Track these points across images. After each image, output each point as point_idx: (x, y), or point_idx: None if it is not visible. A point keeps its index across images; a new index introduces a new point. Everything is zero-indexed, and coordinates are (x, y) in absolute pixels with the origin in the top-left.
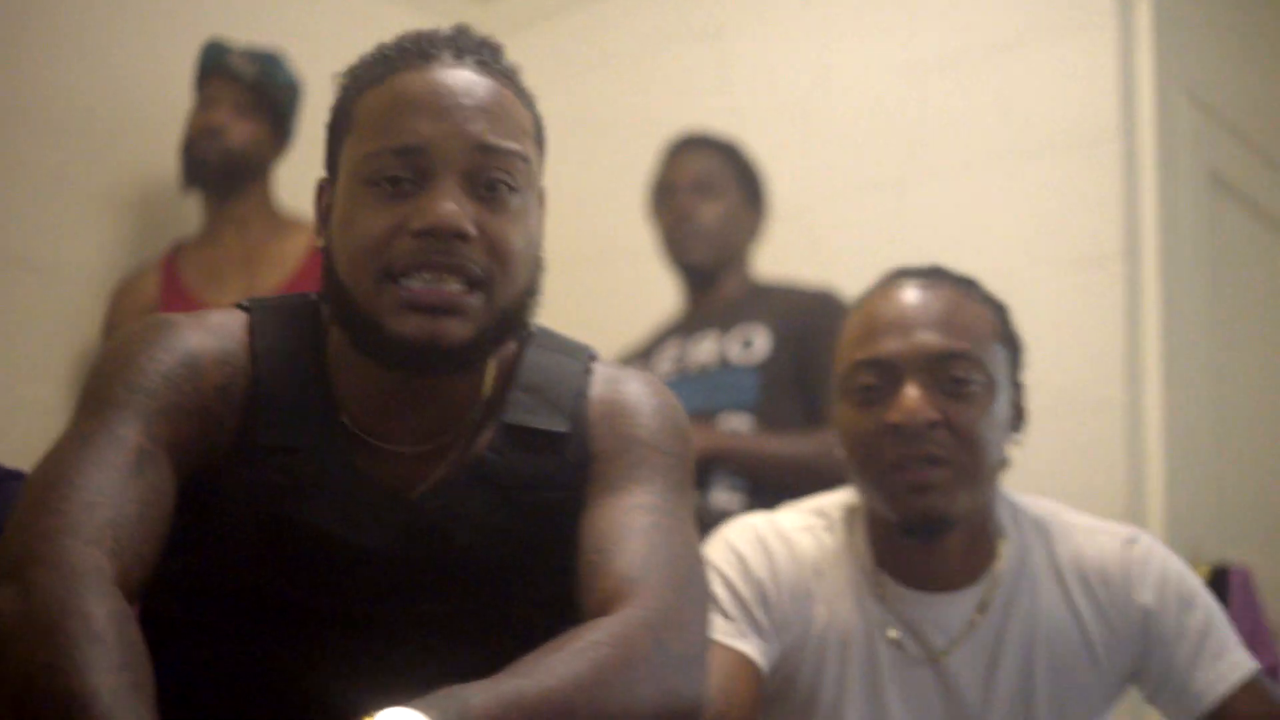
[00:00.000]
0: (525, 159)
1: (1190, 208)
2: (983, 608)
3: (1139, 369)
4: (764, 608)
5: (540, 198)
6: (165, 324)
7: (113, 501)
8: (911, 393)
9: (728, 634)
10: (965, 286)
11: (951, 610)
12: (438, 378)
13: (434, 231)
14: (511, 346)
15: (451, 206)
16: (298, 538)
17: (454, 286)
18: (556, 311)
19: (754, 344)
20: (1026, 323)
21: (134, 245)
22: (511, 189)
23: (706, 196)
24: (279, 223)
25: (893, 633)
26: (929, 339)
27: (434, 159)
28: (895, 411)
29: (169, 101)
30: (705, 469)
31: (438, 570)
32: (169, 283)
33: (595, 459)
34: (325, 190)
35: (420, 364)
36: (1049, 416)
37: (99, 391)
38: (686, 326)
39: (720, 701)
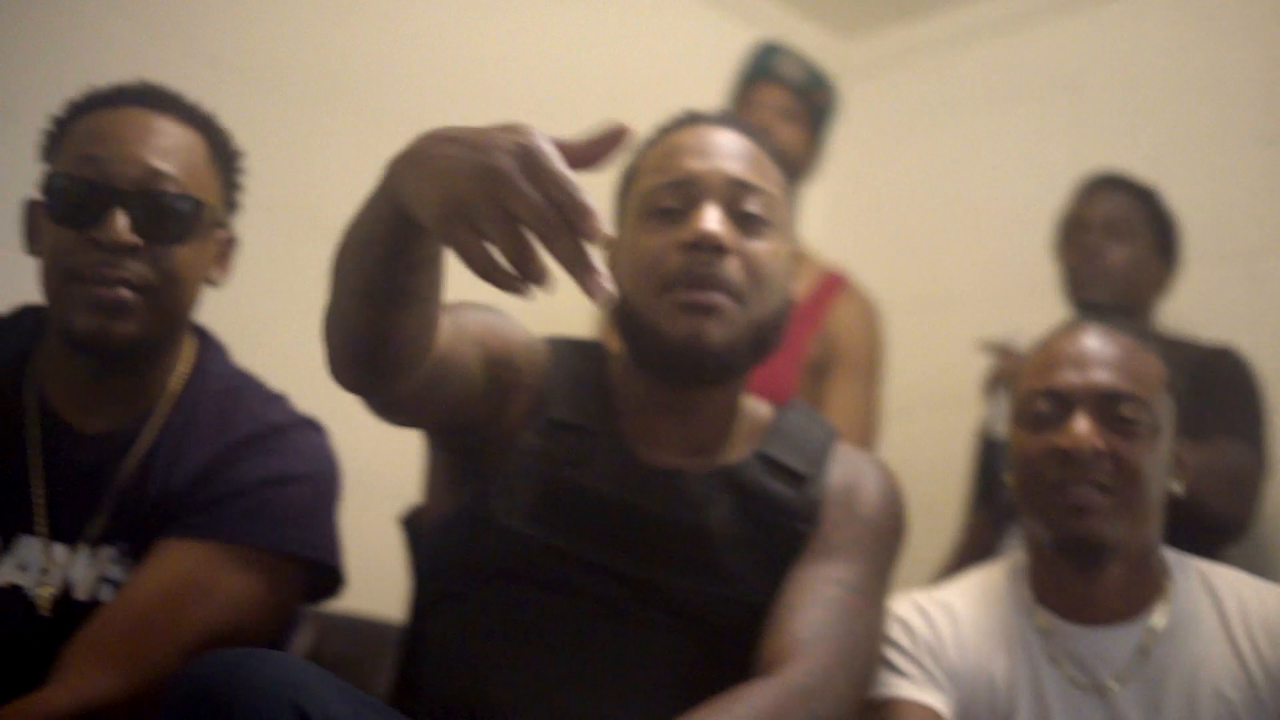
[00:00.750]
0: (776, 199)
1: None
2: (1146, 646)
3: None
4: (934, 659)
5: (792, 248)
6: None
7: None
8: (1081, 422)
9: (911, 690)
10: (1140, 337)
11: (1113, 644)
12: (699, 385)
13: (699, 243)
14: (770, 409)
15: (713, 223)
16: (574, 498)
17: (716, 296)
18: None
19: None
20: None
21: None
22: (765, 221)
23: (1117, 239)
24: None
25: (1059, 664)
26: (1103, 377)
27: (699, 189)
28: (1064, 437)
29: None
30: None
31: (685, 543)
32: None
33: (821, 522)
34: (613, 245)
35: (686, 363)
36: None
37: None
38: None
39: None
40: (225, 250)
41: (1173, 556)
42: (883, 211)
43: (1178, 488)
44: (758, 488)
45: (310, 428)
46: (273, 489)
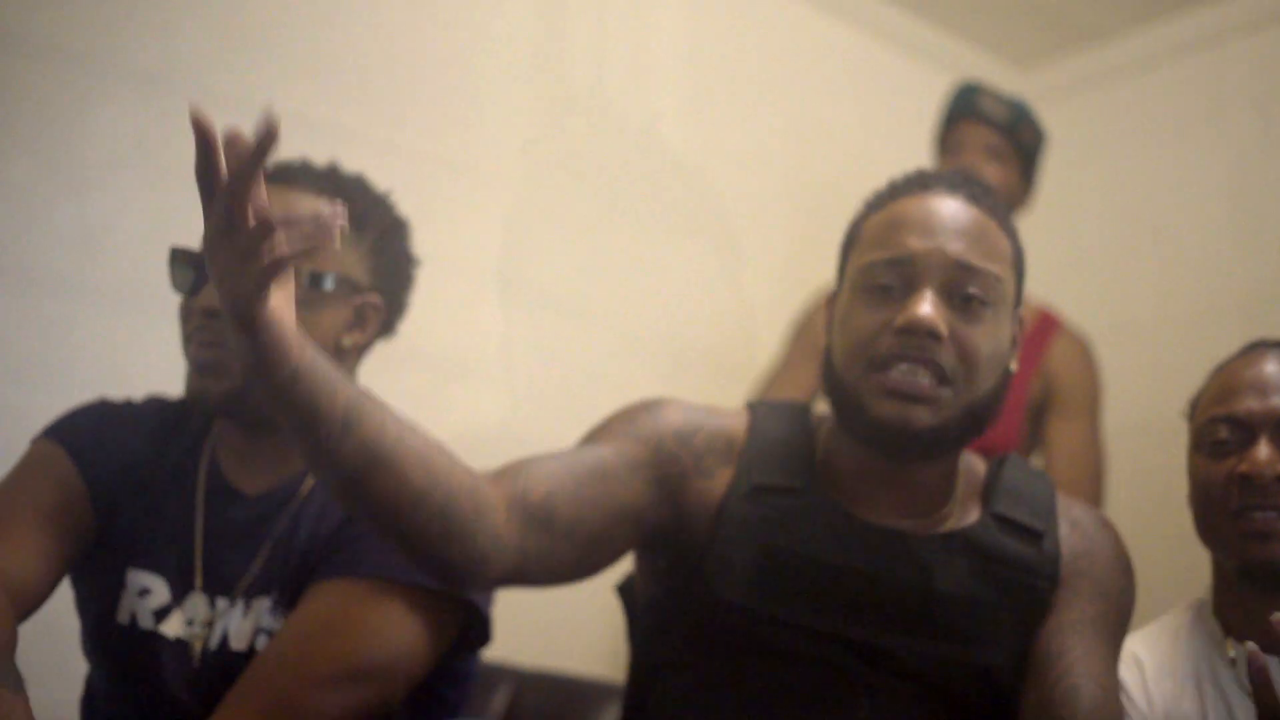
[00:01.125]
0: (999, 279)
1: None
2: None
3: None
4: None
5: (1019, 323)
6: (682, 404)
7: (559, 478)
8: (1264, 448)
9: None
10: None
11: None
12: (908, 462)
13: (912, 329)
14: (984, 463)
15: (928, 309)
16: (792, 563)
17: (925, 380)
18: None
19: None
20: None
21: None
22: (984, 303)
23: None
24: None
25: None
26: None
27: (918, 270)
28: (1246, 463)
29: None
30: None
31: (917, 605)
32: None
33: (1063, 586)
34: (832, 300)
35: (892, 444)
36: None
37: (606, 423)
38: None
39: None
40: (364, 314)
41: None
42: (1068, 239)
43: None
44: (997, 549)
45: None
46: None
